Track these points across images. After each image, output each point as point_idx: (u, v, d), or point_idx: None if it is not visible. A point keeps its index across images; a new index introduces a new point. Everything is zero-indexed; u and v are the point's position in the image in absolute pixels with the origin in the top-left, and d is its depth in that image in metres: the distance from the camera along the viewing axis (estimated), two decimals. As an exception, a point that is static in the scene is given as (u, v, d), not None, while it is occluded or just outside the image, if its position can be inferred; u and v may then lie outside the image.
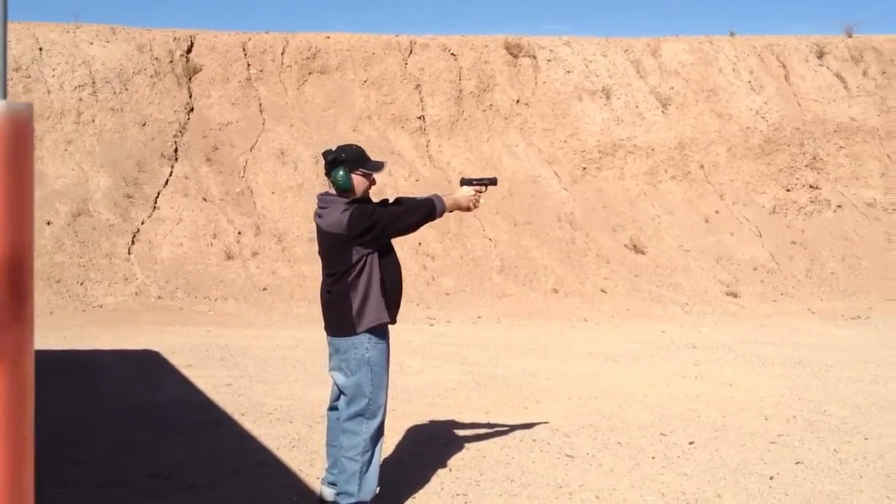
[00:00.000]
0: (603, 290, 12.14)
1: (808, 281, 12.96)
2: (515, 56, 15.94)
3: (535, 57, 15.95)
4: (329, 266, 4.42)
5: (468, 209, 4.69)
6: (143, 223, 12.47)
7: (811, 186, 14.63)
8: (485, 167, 14.21)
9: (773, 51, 16.74)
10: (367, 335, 4.40)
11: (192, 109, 14.49)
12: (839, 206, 14.44)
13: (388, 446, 5.77)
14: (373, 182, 4.57)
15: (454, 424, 6.53)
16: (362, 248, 4.32)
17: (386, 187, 13.48)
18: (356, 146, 4.59)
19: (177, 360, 8.68)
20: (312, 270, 12.09)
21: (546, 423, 6.53)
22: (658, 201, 13.97)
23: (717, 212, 14.05)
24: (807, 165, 14.91)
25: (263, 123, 14.57)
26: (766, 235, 13.69)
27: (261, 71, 15.18)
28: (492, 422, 6.56)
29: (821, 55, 16.78)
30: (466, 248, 12.76)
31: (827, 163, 15.05)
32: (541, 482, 5.21)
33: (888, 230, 14.16)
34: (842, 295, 12.63)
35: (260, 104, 14.85)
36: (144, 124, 14.13)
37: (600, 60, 16.02)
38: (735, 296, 12.22)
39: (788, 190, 14.55)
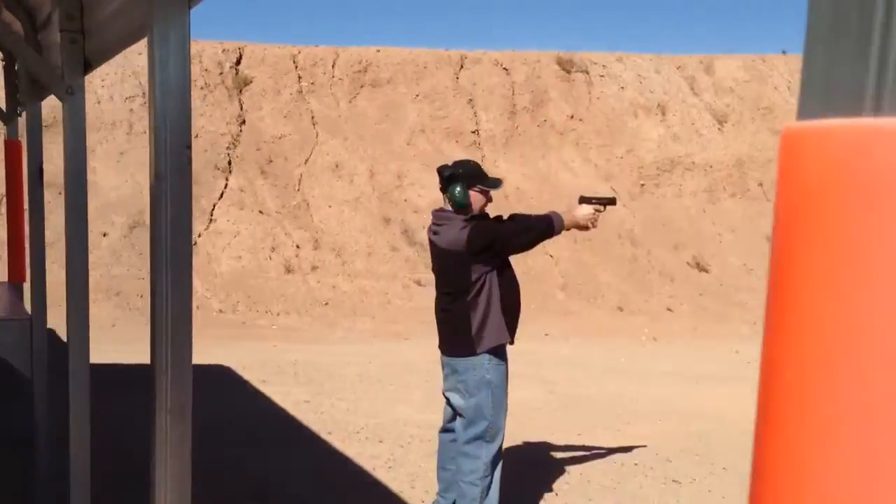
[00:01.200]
0: (669, 309, 11.93)
1: None
2: (568, 71, 15.80)
3: (587, 72, 15.80)
4: (446, 284, 4.28)
5: (586, 228, 4.48)
6: (199, 236, 12.36)
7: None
8: (542, 183, 14.05)
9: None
10: (488, 356, 4.23)
11: (243, 122, 14.41)
12: None
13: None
14: (489, 199, 4.41)
15: (549, 447, 6.34)
16: (482, 265, 4.17)
17: (439, 202, 13.34)
18: (473, 162, 4.46)
19: (250, 376, 8.53)
20: (373, 286, 11.95)
21: (644, 446, 6.33)
22: (718, 219, 13.75)
23: (778, 230, 13.83)
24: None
25: (317, 136, 14.47)
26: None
27: (312, 84, 15.09)
28: (587, 444, 6.37)
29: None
30: (528, 264, 12.57)
31: None
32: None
33: None
34: None
35: (312, 117, 14.75)
36: (197, 136, 14.05)
37: (654, 77, 15.85)
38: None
39: (600, 211, 14.27)
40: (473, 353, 4.23)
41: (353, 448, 6.22)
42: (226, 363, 9.16)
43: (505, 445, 6.22)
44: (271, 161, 13.82)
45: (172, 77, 1.86)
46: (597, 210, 4.47)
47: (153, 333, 1.88)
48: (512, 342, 4.34)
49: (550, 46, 24.94)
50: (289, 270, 12.01)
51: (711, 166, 14.59)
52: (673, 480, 5.55)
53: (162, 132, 1.84)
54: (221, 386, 8.13)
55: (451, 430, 4.53)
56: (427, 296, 11.77)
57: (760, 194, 14.44)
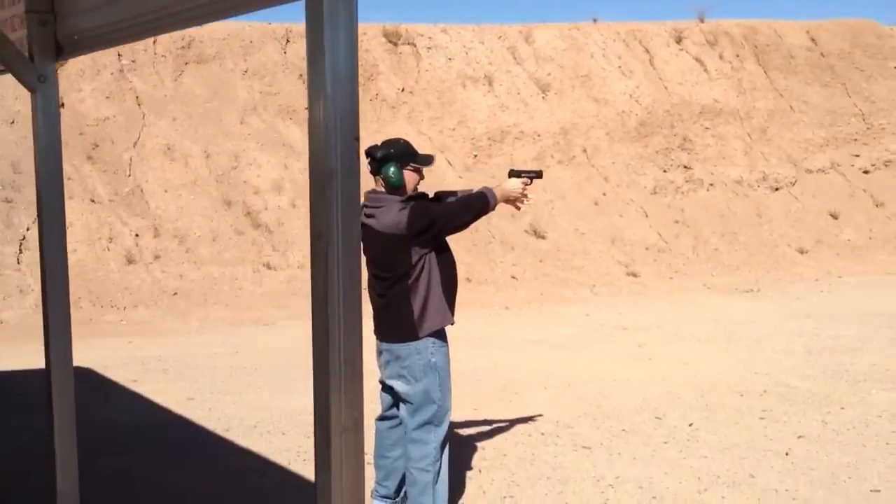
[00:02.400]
0: (514, 277, 12.38)
1: (695, 258, 13.70)
2: (395, 44, 15.89)
3: (414, 45, 15.95)
4: (383, 269, 4.27)
5: (516, 203, 4.51)
6: (28, 229, 11.64)
7: (685, 167, 15.43)
8: (379, 157, 14.12)
9: (636, 36, 17.47)
10: (431, 339, 4.30)
11: (62, 104, 13.59)
12: (711, 185, 15.31)
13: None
14: (422, 177, 4.45)
15: (453, 424, 6.54)
16: (420, 247, 4.20)
17: (284, 181, 13.18)
18: (404, 140, 4.45)
19: (117, 376, 8.22)
20: (222, 272, 11.69)
21: (540, 415, 6.64)
22: (549, 186, 14.34)
23: (604, 194, 14.58)
24: (679, 147, 15.70)
25: (143, 117, 13.88)
26: (651, 216, 14.34)
27: (133, 62, 14.42)
28: (488, 418, 6.61)
29: (679, 40, 17.66)
30: (374, 240, 12.68)
31: (696, 144, 15.90)
32: (576, 477, 5.33)
33: (757, 206, 15.15)
34: (727, 270, 13.45)
35: (137, 97, 14.12)
36: (13, 122, 13.17)
37: (478, 48, 16.22)
38: (635, 275, 12.76)
39: (665, 171, 15.28)
40: (416, 338, 4.26)
41: (259, 443, 6.18)
42: (84, 364, 8.75)
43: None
44: (97, 146, 13.15)
45: (342, 61, 1.71)
46: (525, 183, 4.52)
47: (323, 356, 1.78)
48: (453, 322, 4.44)
49: (375, 19, 24.86)
50: (130, 261, 11.54)
51: (539, 135, 15.16)
52: (583, 447, 5.87)
53: (332, 124, 1.70)
54: (92, 390, 7.79)
55: (390, 418, 4.59)
56: (279, 279, 11.67)
57: (585, 160, 15.16)
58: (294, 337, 9.55)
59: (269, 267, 11.71)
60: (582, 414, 6.65)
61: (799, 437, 5.99)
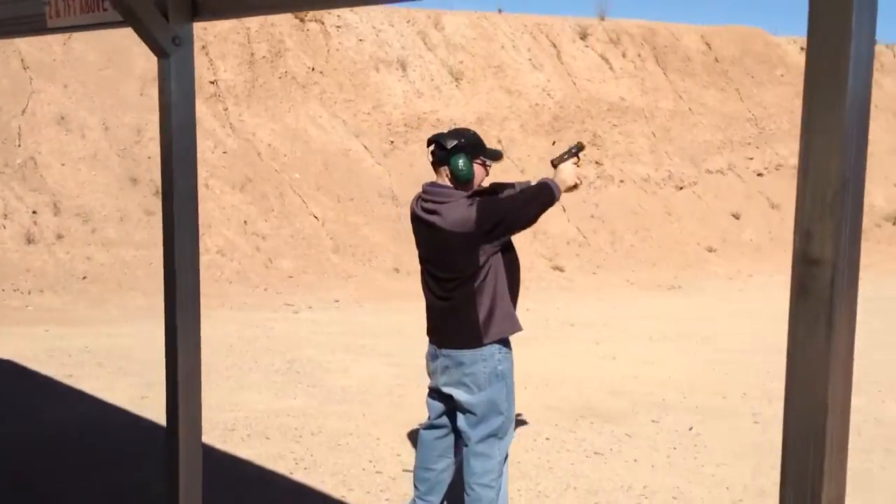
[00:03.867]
0: (442, 268, 12.03)
1: (614, 253, 13.73)
2: (302, 21, 15.19)
3: (322, 22, 15.30)
4: (446, 269, 3.91)
5: (576, 186, 4.15)
6: None
7: (596, 163, 15.46)
8: (293, 140, 13.45)
9: (543, 30, 17.41)
10: (498, 346, 3.96)
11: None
12: (622, 182, 15.42)
13: (402, 458, 5.34)
14: (487, 174, 4.12)
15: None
16: (490, 246, 3.85)
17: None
18: (473, 131, 4.12)
19: (48, 370, 7.36)
20: (134, 255, 10.78)
21: (525, 422, 6.34)
22: (467, 176, 14.06)
23: (521, 187, 14.42)
24: (589, 142, 15.71)
25: (31, 83, 12.68)
26: (569, 210, 14.28)
27: (19, 22, 13.14)
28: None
29: (584, 36, 17.72)
30: (295, 226, 12.04)
31: (605, 140, 15.98)
32: (603, 487, 5.06)
33: (665, 204, 15.37)
34: (644, 266, 13.54)
35: (22, 60, 12.88)
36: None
37: (389, 30, 15.73)
38: (561, 269, 12.65)
39: (579, 165, 15.22)
40: (481, 344, 3.90)
41: (245, 450, 5.62)
42: (2, 356, 7.81)
43: (407, 432, 5.93)
44: (-18, 111, 11.90)
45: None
46: (576, 164, 4.17)
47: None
48: (521, 328, 4.08)
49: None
50: (30, 241, 10.47)
51: (456, 123, 14.81)
52: (595, 453, 5.61)
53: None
54: (24, 386, 6.94)
55: (438, 427, 4.20)
56: (203, 265, 10.85)
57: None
58: (228, 331, 8.88)
59: (185, 251, 10.88)
60: (578, 417, 6.39)
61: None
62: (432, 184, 4.00)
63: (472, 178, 3.94)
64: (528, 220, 3.96)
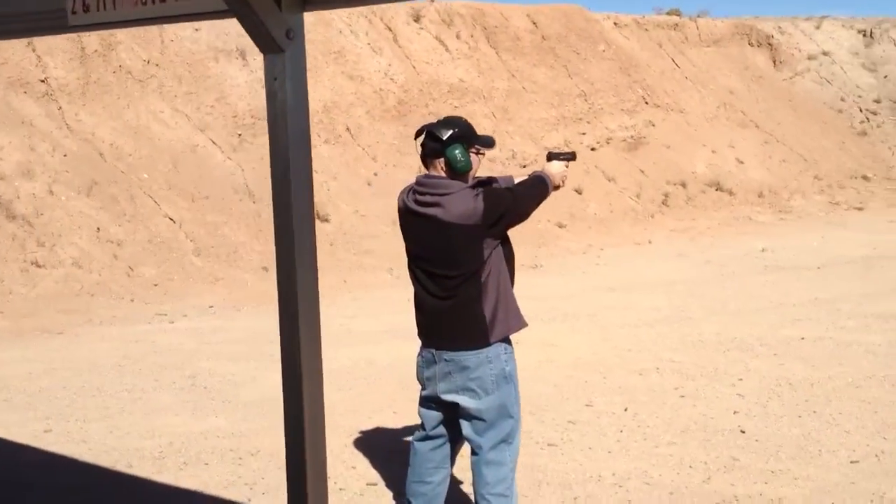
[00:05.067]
0: (311, 263, 11.75)
1: (472, 235, 13.86)
2: (129, 10, 14.34)
3: (151, 12, 14.51)
4: (449, 266, 3.77)
5: (558, 188, 4.19)
6: None
7: (443, 145, 15.53)
8: (137, 137, 12.73)
9: (376, 13, 17.26)
10: (503, 345, 3.87)
11: None
12: (469, 163, 15.56)
13: (360, 471, 5.24)
14: (479, 162, 4.00)
15: (390, 432, 6.01)
16: (492, 239, 3.77)
17: (33, 164, 11.41)
18: (465, 119, 4.01)
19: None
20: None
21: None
22: (320, 166, 13.78)
23: (375, 174, 14.30)
24: (435, 125, 15.76)
25: None
26: (423, 195, 14.29)
27: None
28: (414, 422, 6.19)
29: (418, 18, 17.72)
30: (151, 230, 11.41)
31: (449, 122, 16.05)
32: (575, 479, 5.14)
33: (512, 183, 15.65)
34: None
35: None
36: None
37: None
38: (427, 256, 12.65)
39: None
40: (487, 344, 3.79)
41: (187, 479, 5.32)
42: None
43: (339, 446, 5.76)
44: None
45: None
46: (565, 165, 4.19)
47: None
48: (527, 324, 4.01)
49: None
50: None
51: (303, 113, 14.49)
52: (548, 444, 5.64)
53: None
54: None
55: (435, 437, 4.08)
56: (53, 279, 10.10)
57: (350, 139, 14.75)
58: (108, 348, 8.33)
59: (37, 265, 10.11)
60: (529, 410, 6.42)
61: (735, 412, 6.24)
62: (427, 176, 3.86)
63: (470, 168, 3.84)
64: (527, 213, 3.91)
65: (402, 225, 3.98)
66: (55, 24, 2.74)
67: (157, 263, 10.91)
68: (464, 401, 3.87)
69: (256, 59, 14.88)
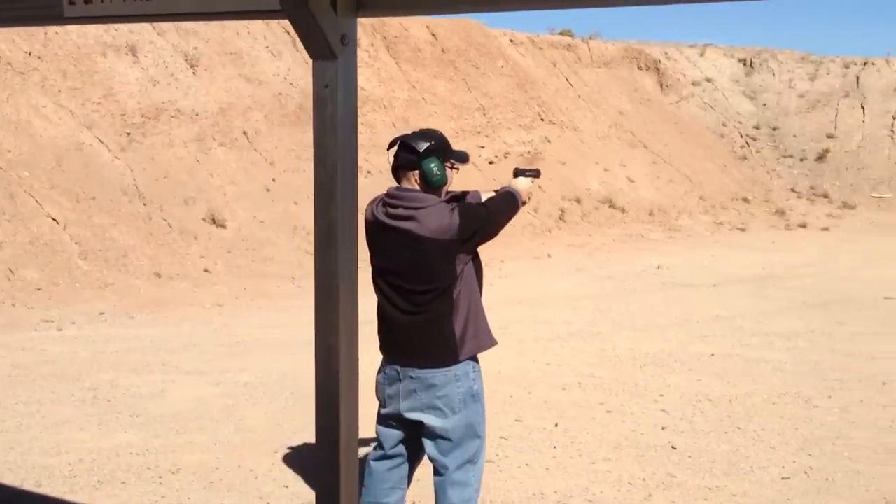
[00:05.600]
0: (206, 270, 11.21)
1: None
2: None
3: (36, 1, 13.69)
4: (422, 280, 3.60)
5: (524, 203, 4.03)
6: None
7: (343, 153, 15.18)
8: (18, 133, 11.92)
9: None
10: (471, 363, 3.74)
11: None
12: (369, 172, 15.26)
13: (293, 490, 4.92)
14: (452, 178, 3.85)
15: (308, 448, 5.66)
16: (465, 255, 3.65)
17: None
18: (439, 132, 3.89)
19: None
20: None
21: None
22: (216, 170, 13.26)
23: (273, 180, 13.83)
24: (334, 133, 15.41)
25: None
26: (322, 203, 13.90)
27: None
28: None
29: (316, 24, 17.32)
30: (32, 231, 10.67)
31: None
32: (516, 498, 4.96)
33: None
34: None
35: None
36: None
37: (113, 12, 14.41)
38: (327, 266, 12.25)
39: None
40: (456, 362, 3.65)
41: (105, 500, 4.84)
42: None
43: (265, 463, 5.38)
44: None
45: None
46: (531, 182, 4.12)
47: None
48: (496, 342, 3.87)
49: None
50: None
51: (197, 114, 13.90)
52: (486, 461, 5.43)
53: None
54: None
55: (393, 457, 3.87)
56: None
57: (247, 144, 14.23)
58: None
59: None
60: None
61: (662, 428, 6.16)
62: (400, 188, 3.68)
63: (446, 181, 3.69)
64: (499, 229, 3.79)
65: (370, 238, 3.78)
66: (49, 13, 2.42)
67: (40, 267, 10.19)
68: (429, 419, 3.69)
69: (148, 55, 14.25)
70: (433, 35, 19.24)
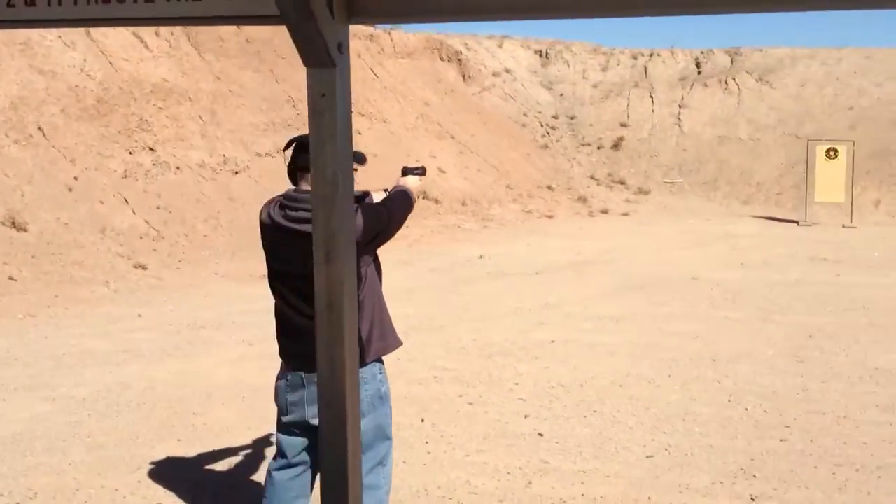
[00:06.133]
0: (11, 278, 10.27)
1: (190, 245, 12.92)
2: None
3: None
4: None
5: (414, 202, 3.96)
6: None
7: (150, 149, 14.40)
8: None
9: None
10: (378, 364, 3.68)
11: None
12: (178, 169, 14.57)
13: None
14: None
15: (186, 462, 5.27)
16: (368, 256, 3.58)
17: None
18: None
19: None
20: None
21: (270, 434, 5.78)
22: (10, 169, 12.22)
23: (75, 178, 12.90)
24: (138, 127, 14.59)
25: None
26: (132, 202, 13.12)
27: None
28: (231, 445, 5.49)
29: (112, 12, 16.33)
30: None
31: (154, 125, 14.94)
32: (394, 495, 4.80)
33: (227, 190, 14.87)
34: (225, 257, 12.95)
35: None
36: None
37: None
38: (144, 268, 11.56)
39: (131, 153, 14.07)
40: (363, 364, 3.54)
41: None
42: None
43: (130, 482, 4.96)
44: None
45: None
46: (419, 181, 4.02)
47: None
48: (402, 343, 3.79)
49: None
50: None
51: (-14, 108, 12.75)
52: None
53: None
54: None
55: (296, 465, 3.71)
56: None
57: (44, 140, 13.19)
58: None
59: None
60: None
61: (525, 416, 6.23)
62: (298, 190, 3.53)
63: None
64: (398, 229, 3.69)
65: (267, 241, 3.63)
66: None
67: None
68: None
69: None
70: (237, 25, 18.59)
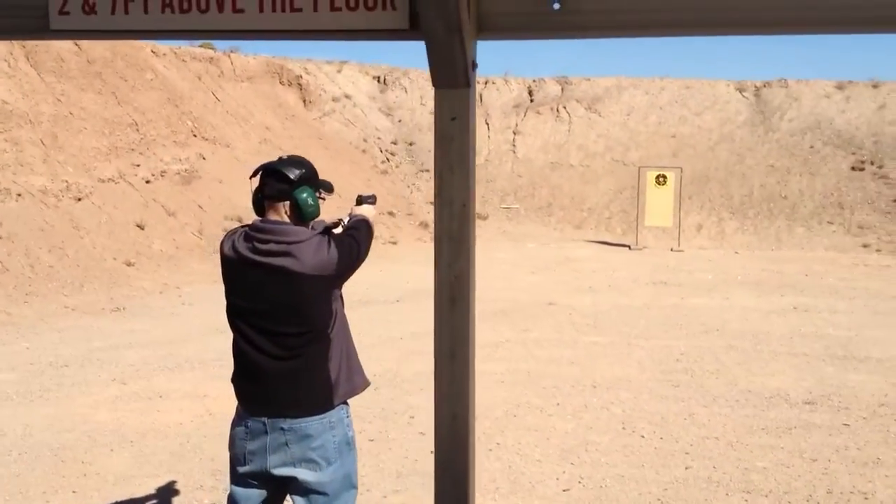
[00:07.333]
0: None
1: (35, 277, 12.28)
2: None
3: None
4: (297, 322, 3.34)
5: None
6: None
7: (-12, 174, 13.62)
8: None
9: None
10: (345, 407, 3.53)
11: None
12: (19, 195, 13.84)
13: None
14: None
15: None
16: (338, 290, 3.46)
17: None
18: (306, 159, 3.63)
19: None
20: None
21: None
22: None
23: None
24: (-26, 151, 13.77)
25: None
26: (-27, 232, 12.37)
27: None
28: (161, 486, 5.36)
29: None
30: None
31: (-9, 148, 14.15)
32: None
33: (70, 218, 14.23)
34: (73, 288, 12.39)
35: None
36: None
37: None
38: (-8, 303, 10.92)
39: None
40: (331, 407, 3.42)
41: None
42: None
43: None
44: None
45: None
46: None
47: None
48: (370, 383, 3.69)
49: None
50: None
51: None
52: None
53: None
54: None
55: None
56: None
57: None
58: None
59: None
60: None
61: (431, 451, 6.36)
62: (266, 220, 3.40)
63: (318, 213, 3.47)
64: (364, 259, 3.58)
65: (228, 275, 3.44)
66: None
67: None
68: (302, 474, 3.40)
69: None
70: (76, 44, 17.88)
